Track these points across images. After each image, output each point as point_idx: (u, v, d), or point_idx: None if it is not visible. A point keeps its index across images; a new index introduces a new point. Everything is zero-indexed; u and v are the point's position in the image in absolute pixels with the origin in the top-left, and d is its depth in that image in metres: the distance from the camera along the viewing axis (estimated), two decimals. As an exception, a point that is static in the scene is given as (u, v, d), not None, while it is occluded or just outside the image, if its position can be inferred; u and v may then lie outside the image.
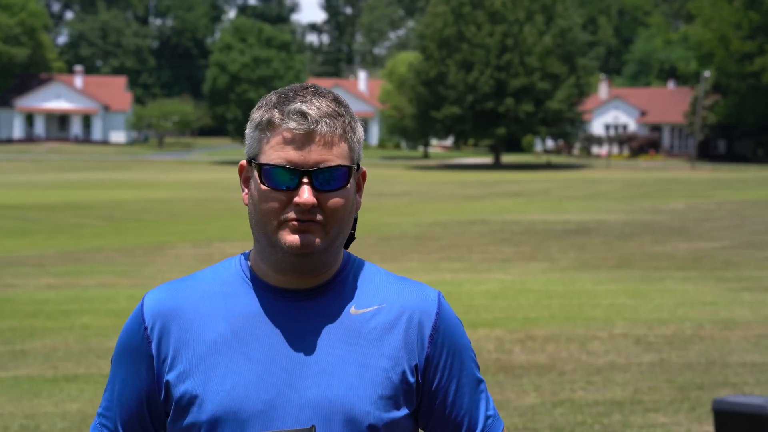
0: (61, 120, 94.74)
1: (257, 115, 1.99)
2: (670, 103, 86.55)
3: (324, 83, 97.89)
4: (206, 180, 50.39)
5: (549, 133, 74.69)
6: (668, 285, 15.05)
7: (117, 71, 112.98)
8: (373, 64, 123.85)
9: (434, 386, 2.04)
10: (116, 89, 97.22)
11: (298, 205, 1.93)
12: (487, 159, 77.45)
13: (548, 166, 67.36)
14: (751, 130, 76.90)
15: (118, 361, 2.06)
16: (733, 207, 30.37)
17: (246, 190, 2.02)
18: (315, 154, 1.93)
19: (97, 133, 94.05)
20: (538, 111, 69.64)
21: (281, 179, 1.94)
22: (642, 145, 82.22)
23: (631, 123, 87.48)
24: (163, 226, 26.06)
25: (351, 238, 2.09)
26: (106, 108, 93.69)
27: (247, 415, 1.95)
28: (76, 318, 12.23)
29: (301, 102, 1.95)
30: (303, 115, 1.93)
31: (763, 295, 13.89)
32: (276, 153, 1.94)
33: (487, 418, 2.10)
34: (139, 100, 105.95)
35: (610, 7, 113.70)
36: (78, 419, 7.80)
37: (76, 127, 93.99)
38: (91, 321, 12.04)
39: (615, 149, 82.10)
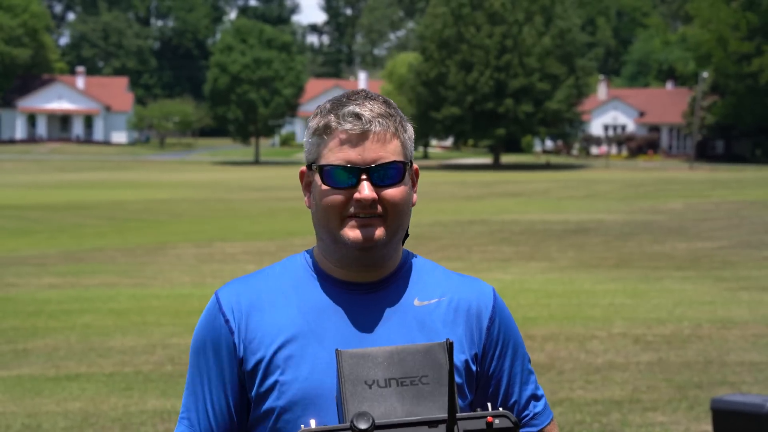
0: (63, 120, 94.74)
1: (314, 122, 2.10)
2: (668, 103, 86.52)
3: (324, 84, 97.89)
4: (207, 180, 50.40)
5: (548, 133, 74.67)
6: (667, 285, 15.08)
7: (118, 72, 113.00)
8: (373, 64, 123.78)
9: (489, 375, 2.16)
10: (118, 90, 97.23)
11: (359, 200, 2.04)
12: (487, 159, 77.39)
13: (547, 167, 67.33)
14: (749, 131, 76.88)
15: (200, 357, 2.13)
16: (731, 207, 30.38)
17: (308, 195, 2.14)
18: (371, 152, 2.04)
19: (98, 134, 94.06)
20: (537, 111, 69.64)
21: (341, 178, 2.05)
22: (640, 146, 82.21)
23: (629, 123, 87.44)
24: (165, 226, 26.10)
25: (405, 234, 2.18)
26: (108, 108, 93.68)
27: (323, 398, 2.03)
28: (77, 317, 12.27)
29: (354, 105, 2.07)
30: (357, 116, 2.05)
31: (760, 295, 13.92)
32: (335, 154, 2.05)
33: (535, 406, 2.22)
34: (140, 101, 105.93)
35: (608, 8, 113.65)
36: (80, 418, 7.83)
37: (77, 128, 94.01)
38: (92, 320, 12.08)
39: (614, 150, 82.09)
